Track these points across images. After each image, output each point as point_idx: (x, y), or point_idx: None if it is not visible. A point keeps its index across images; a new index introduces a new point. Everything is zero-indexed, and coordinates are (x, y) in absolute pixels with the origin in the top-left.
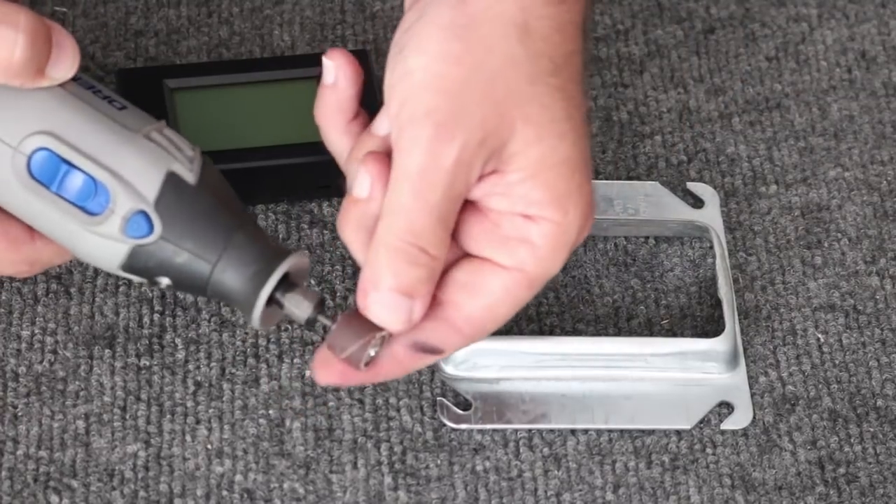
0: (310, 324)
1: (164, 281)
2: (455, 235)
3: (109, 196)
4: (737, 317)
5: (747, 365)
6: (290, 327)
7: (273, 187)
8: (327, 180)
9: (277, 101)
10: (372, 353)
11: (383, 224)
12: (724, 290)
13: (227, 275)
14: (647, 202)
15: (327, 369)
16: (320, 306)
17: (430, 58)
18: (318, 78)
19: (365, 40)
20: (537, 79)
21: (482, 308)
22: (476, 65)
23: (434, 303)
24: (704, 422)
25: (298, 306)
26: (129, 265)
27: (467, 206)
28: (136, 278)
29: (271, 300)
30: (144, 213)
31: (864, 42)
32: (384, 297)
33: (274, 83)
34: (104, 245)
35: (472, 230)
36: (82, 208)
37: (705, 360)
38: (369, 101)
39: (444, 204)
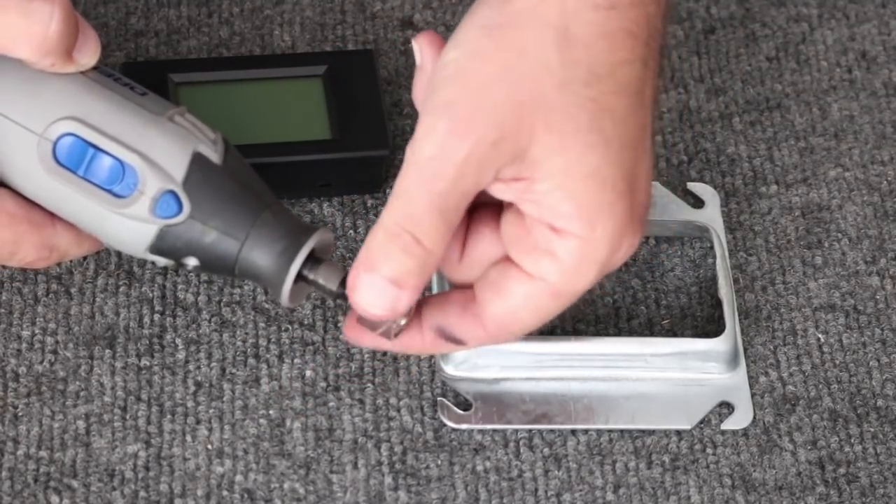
0: (338, 297)
1: (192, 262)
2: (500, 234)
3: (137, 177)
4: (737, 317)
5: (747, 365)
6: (290, 327)
7: (275, 184)
8: (328, 179)
9: (281, 99)
10: (402, 322)
11: (387, 207)
12: (725, 291)
13: (255, 252)
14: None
15: (359, 334)
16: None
17: (462, 53)
18: (322, 76)
19: (365, 40)
20: (568, 87)
21: (505, 311)
22: (505, 65)
23: (469, 296)
24: (705, 422)
25: (327, 280)
26: (157, 247)
27: (512, 206)
28: (162, 260)
29: (299, 276)
30: (173, 193)
31: (864, 42)
32: (374, 280)
33: (278, 80)
34: (133, 227)
35: (509, 231)
36: (110, 191)
37: (705, 360)
38: (373, 99)
39: (447, 197)
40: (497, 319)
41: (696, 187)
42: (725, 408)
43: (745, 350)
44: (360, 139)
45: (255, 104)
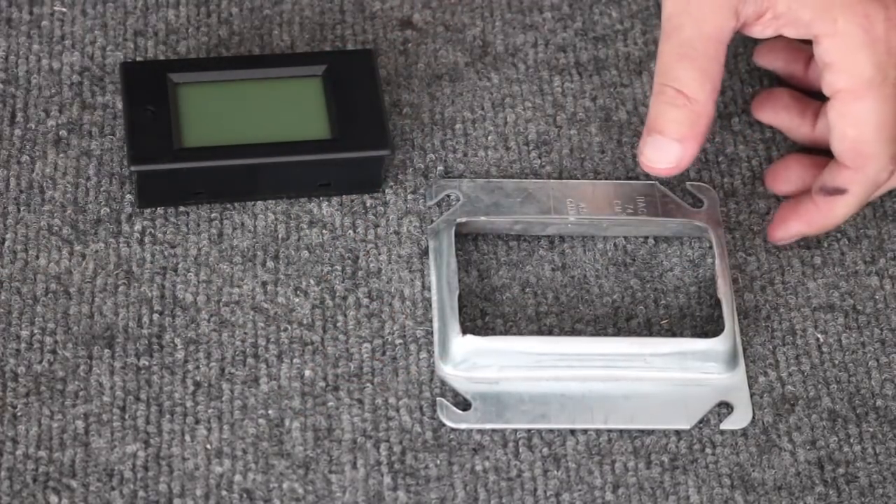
0: None
1: None
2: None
3: None
4: (736, 317)
5: (747, 365)
6: (289, 327)
7: (274, 184)
8: (328, 179)
9: (281, 99)
10: None
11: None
12: (724, 290)
13: None
14: (647, 202)
15: (783, 227)
16: None
17: None
18: (322, 76)
19: (364, 40)
20: None
21: (837, 140)
22: None
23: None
24: (704, 422)
25: None
26: None
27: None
28: None
29: None
30: None
31: None
32: (653, 140)
33: (278, 80)
34: None
35: (814, 74)
36: None
37: (705, 360)
38: (373, 99)
39: (692, 44)
40: (842, 152)
41: (695, 187)
42: (725, 408)
43: (745, 350)
44: (359, 139)
45: (254, 104)
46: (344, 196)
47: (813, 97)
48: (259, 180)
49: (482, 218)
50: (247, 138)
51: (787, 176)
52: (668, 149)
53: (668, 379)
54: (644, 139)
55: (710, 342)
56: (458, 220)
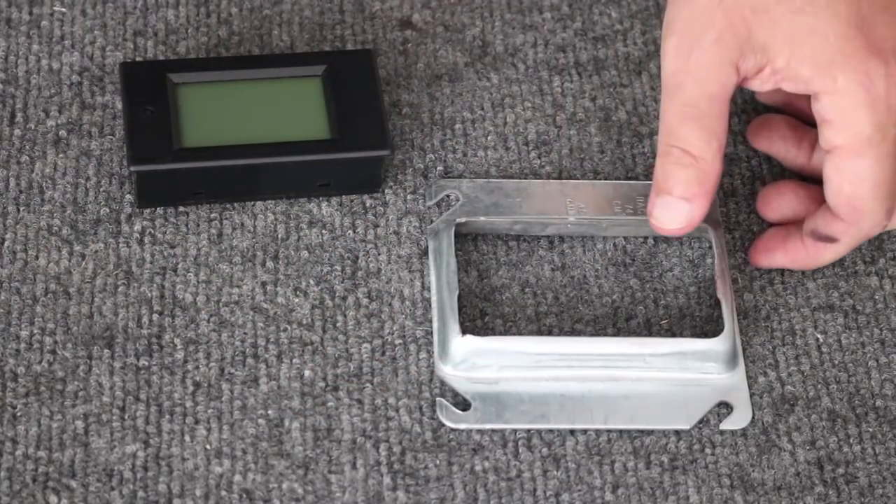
0: None
1: None
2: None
3: None
4: (736, 317)
5: (746, 365)
6: (288, 327)
7: (274, 184)
8: (327, 179)
9: (281, 99)
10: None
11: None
12: (723, 291)
13: None
14: (646, 202)
15: (767, 256)
16: None
17: None
18: (321, 76)
19: (364, 40)
20: None
21: (833, 194)
22: None
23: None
24: (703, 422)
25: None
26: None
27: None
28: None
29: None
30: None
31: None
32: (663, 200)
33: (278, 80)
34: None
35: (816, 158)
36: None
37: (704, 360)
38: (373, 99)
39: (695, 103)
40: (838, 205)
41: None
42: (724, 408)
43: (744, 350)
44: (359, 139)
45: (254, 104)
46: (344, 196)
47: (809, 125)
48: (259, 180)
49: (482, 218)
50: (246, 138)
51: (779, 204)
52: (678, 209)
53: (667, 379)
54: (653, 200)
55: (709, 342)
56: (458, 220)
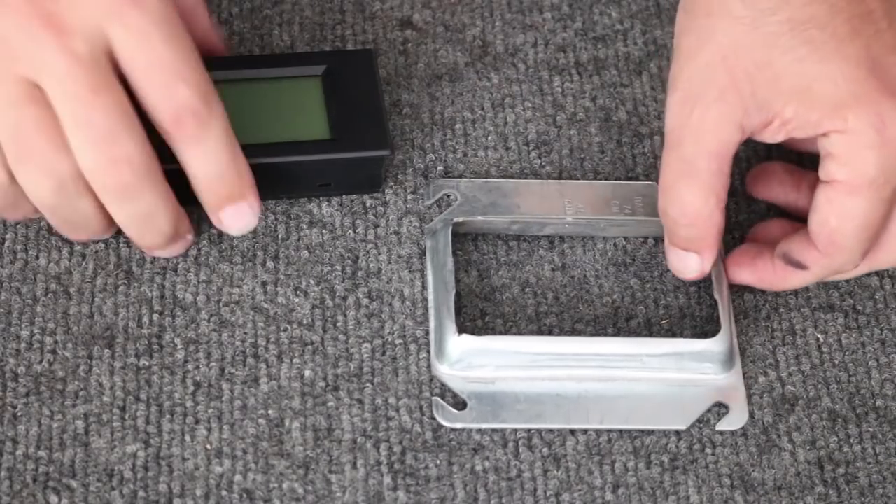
0: None
1: None
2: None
3: None
4: (733, 317)
5: (747, 365)
6: (288, 327)
7: (274, 184)
8: (327, 179)
9: (280, 99)
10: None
11: None
12: (719, 291)
13: None
14: (644, 202)
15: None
16: None
17: (676, 35)
18: (321, 76)
19: (364, 40)
20: (758, 23)
21: (817, 223)
22: (702, 29)
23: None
24: (702, 422)
25: None
26: None
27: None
28: None
29: None
30: None
31: None
32: (671, 251)
33: (277, 80)
34: None
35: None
36: None
37: (701, 360)
38: (372, 99)
39: (694, 161)
40: (818, 235)
41: None
42: (722, 408)
43: (744, 350)
44: (359, 139)
45: (253, 104)
46: (344, 196)
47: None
48: (259, 181)
49: (479, 217)
50: (246, 138)
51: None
52: (687, 260)
53: (664, 379)
54: (666, 248)
55: (706, 343)
56: (455, 219)
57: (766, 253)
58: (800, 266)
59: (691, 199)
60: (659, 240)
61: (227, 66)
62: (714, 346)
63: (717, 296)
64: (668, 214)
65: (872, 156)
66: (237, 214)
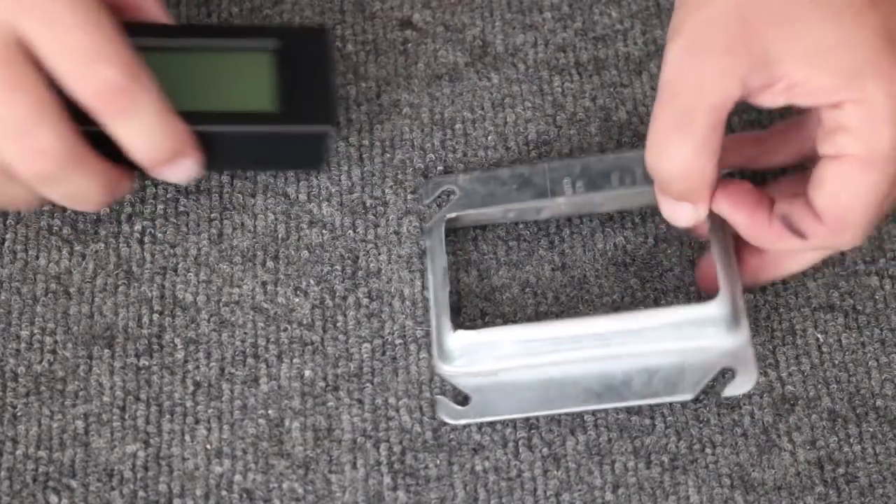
0: None
1: None
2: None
3: None
4: (737, 276)
5: None
6: (288, 327)
7: (214, 156)
8: (270, 153)
9: (230, 70)
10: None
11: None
12: (720, 251)
13: None
14: (645, 171)
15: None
16: None
17: None
18: (273, 51)
19: (364, 40)
20: None
21: (825, 198)
22: None
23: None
24: (708, 391)
25: None
26: None
27: (812, 113)
28: None
29: None
30: None
31: None
32: (663, 199)
33: (228, 52)
34: None
35: (815, 133)
36: None
37: (702, 326)
38: (322, 76)
39: (691, 113)
40: (826, 211)
41: None
42: (731, 374)
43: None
44: (303, 114)
45: (200, 73)
46: (344, 196)
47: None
48: (208, 149)
49: (471, 211)
50: (188, 106)
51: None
52: (680, 210)
53: (666, 350)
54: (657, 195)
55: (705, 307)
56: (448, 215)
57: (767, 204)
58: (800, 235)
59: (684, 154)
60: (659, 240)
61: (175, 34)
62: (714, 309)
63: (714, 255)
64: (659, 170)
65: (888, 129)
66: (178, 169)
